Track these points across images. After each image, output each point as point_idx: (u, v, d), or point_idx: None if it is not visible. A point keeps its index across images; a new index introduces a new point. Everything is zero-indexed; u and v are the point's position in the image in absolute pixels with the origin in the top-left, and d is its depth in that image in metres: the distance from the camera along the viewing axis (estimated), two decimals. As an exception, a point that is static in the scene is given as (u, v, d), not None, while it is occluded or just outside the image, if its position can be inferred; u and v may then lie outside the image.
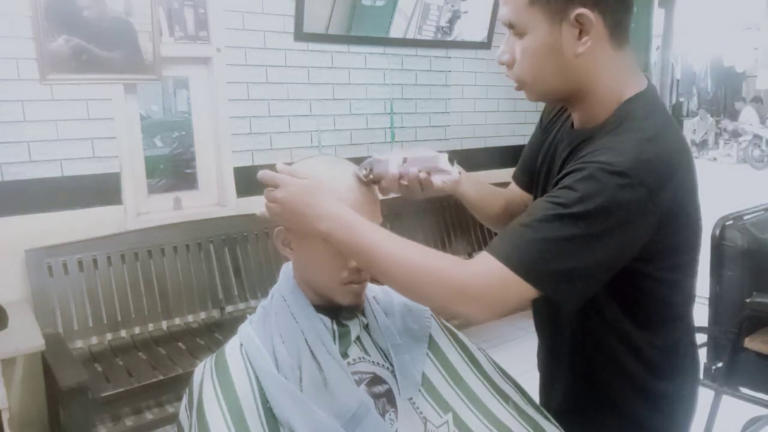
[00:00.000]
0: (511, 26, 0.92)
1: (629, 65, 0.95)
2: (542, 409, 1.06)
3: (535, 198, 1.16)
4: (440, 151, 1.06)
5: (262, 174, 0.91)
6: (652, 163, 0.85)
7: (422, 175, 1.02)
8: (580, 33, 0.88)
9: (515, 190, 1.26)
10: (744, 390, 2.21)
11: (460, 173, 1.07)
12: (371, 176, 0.99)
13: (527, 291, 0.85)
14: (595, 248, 0.85)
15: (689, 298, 1.02)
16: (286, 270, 1.01)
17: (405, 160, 1.02)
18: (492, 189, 1.23)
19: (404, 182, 1.02)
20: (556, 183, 0.91)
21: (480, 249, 3.75)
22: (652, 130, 0.89)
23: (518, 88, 0.98)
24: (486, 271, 0.85)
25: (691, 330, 1.06)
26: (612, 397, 1.03)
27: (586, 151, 0.92)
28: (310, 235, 0.90)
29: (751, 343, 2.16)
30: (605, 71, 0.92)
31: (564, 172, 0.90)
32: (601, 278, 0.88)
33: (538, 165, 1.14)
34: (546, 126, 1.16)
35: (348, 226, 0.88)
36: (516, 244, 0.85)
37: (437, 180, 1.03)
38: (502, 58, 0.96)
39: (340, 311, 0.96)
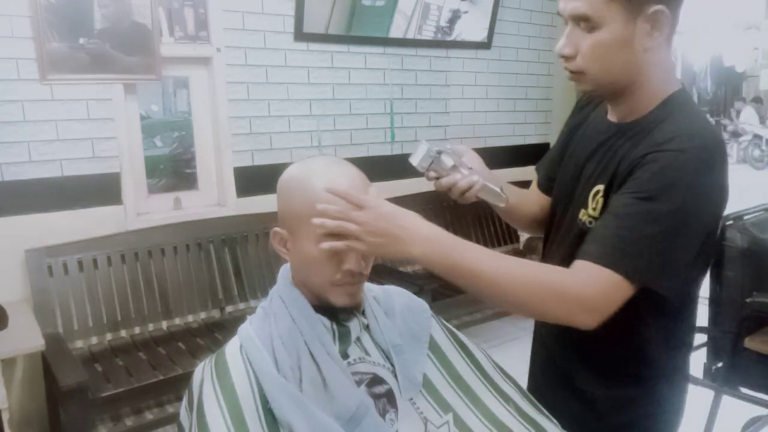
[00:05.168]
0: (584, 20, 0.93)
1: (672, 62, 1.00)
2: (542, 408, 1.06)
3: (556, 193, 1.18)
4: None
5: (345, 194, 0.87)
6: (713, 149, 0.91)
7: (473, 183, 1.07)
8: (651, 28, 0.91)
9: (537, 192, 1.28)
10: (744, 390, 2.21)
11: (507, 199, 1.12)
12: (435, 156, 1.05)
13: (631, 290, 0.88)
14: (688, 236, 0.89)
15: (699, 285, 1.06)
16: (285, 271, 1.00)
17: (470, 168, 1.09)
18: (522, 193, 1.26)
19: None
20: (624, 175, 0.94)
21: (480, 249, 3.75)
22: (704, 121, 0.95)
23: (574, 79, 1.00)
24: (597, 279, 0.88)
25: (694, 317, 1.09)
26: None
27: (641, 139, 0.95)
28: (401, 257, 0.89)
29: (751, 343, 2.16)
30: (660, 65, 0.96)
31: (633, 164, 0.93)
32: (692, 261, 0.92)
33: (564, 165, 1.16)
34: (572, 128, 1.18)
35: (446, 248, 0.88)
36: (617, 247, 0.88)
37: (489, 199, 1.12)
38: (563, 51, 0.97)
39: (339, 312, 0.96)
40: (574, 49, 0.96)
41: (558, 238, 1.12)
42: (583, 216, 1.04)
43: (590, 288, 0.88)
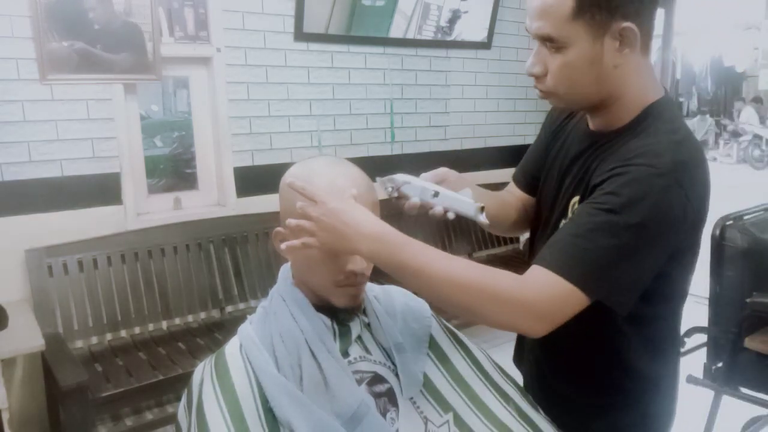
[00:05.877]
0: (549, 40, 0.90)
1: (651, 70, 0.97)
2: (540, 409, 1.06)
3: (540, 199, 1.16)
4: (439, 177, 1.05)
5: (300, 188, 0.87)
6: (686, 165, 0.88)
7: (450, 215, 0.99)
8: (620, 44, 0.89)
9: (515, 193, 1.25)
10: (744, 390, 2.21)
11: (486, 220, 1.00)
12: (395, 194, 1.00)
13: (584, 301, 0.86)
14: (648, 253, 0.86)
15: (684, 294, 1.04)
16: (285, 270, 1.01)
17: (437, 194, 0.99)
18: (500, 201, 1.21)
19: (427, 210, 1.01)
20: (593, 187, 0.92)
21: (480, 249, 3.75)
22: (681, 133, 0.92)
23: (546, 98, 0.98)
24: (546, 286, 0.85)
25: (678, 324, 1.08)
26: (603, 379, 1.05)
27: (614, 152, 0.93)
28: (350, 254, 0.88)
29: (751, 343, 2.16)
30: (635, 77, 0.94)
31: (602, 177, 0.90)
32: (649, 279, 0.90)
33: (547, 169, 1.14)
34: (554, 130, 1.16)
35: (393, 247, 0.85)
36: (571, 255, 0.86)
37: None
38: (533, 71, 0.95)
39: (340, 311, 0.96)
40: (543, 68, 0.93)
41: (543, 240, 1.10)
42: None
43: (539, 294, 0.85)
